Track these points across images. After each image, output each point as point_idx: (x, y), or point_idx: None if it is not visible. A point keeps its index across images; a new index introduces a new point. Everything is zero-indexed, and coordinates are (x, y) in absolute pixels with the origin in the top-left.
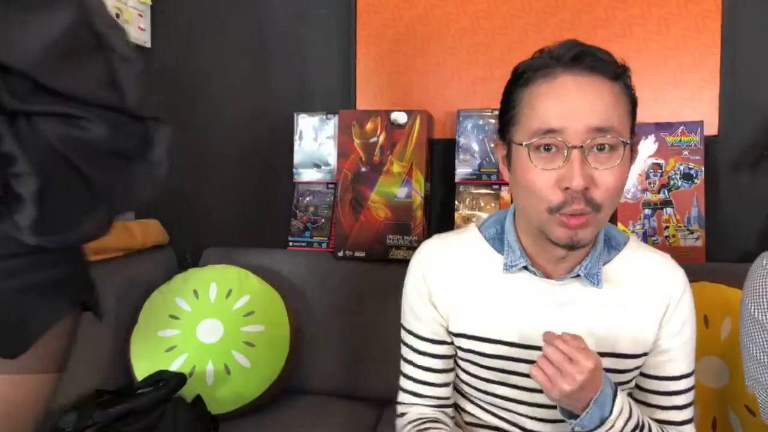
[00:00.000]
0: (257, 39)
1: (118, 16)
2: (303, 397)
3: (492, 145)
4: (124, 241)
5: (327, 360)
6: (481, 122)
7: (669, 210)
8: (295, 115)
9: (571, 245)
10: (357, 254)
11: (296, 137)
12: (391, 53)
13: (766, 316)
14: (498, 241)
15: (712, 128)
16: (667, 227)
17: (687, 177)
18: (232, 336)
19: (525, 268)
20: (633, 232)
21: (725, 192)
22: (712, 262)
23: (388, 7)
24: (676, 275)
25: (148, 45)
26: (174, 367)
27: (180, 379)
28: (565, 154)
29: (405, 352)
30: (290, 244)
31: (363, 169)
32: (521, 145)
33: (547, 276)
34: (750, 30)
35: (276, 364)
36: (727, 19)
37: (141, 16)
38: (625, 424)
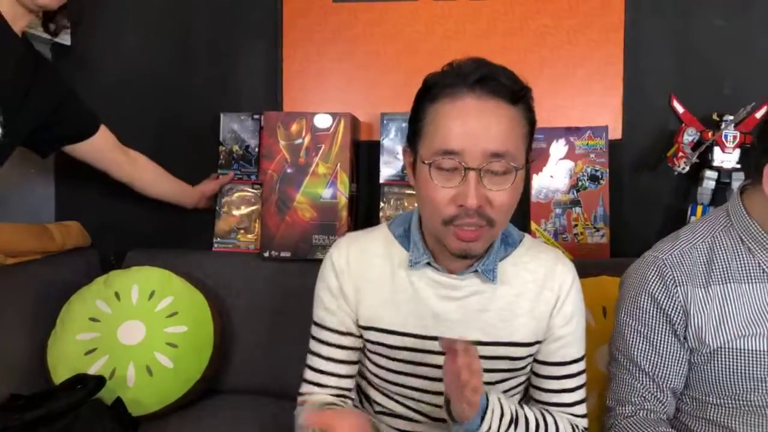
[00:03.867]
0: (182, 38)
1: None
2: (228, 396)
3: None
4: (42, 243)
5: (253, 359)
6: (404, 125)
7: (578, 209)
8: (221, 115)
9: (464, 256)
10: (283, 254)
11: (221, 138)
12: (317, 56)
13: (623, 302)
14: (405, 239)
15: (616, 133)
16: (576, 225)
17: (593, 178)
18: (154, 337)
19: (428, 263)
20: (545, 230)
21: (627, 192)
22: (616, 257)
23: (315, 11)
24: (565, 269)
25: (68, 43)
26: (93, 370)
27: (98, 381)
28: (463, 175)
29: (313, 345)
30: (216, 245)
31: (289, 171)
32: (424, 163)
33: (449, 271)
34: (649, 42)
35: (199, 364)
36: (629, 32)
37: None
38: (500, 420)
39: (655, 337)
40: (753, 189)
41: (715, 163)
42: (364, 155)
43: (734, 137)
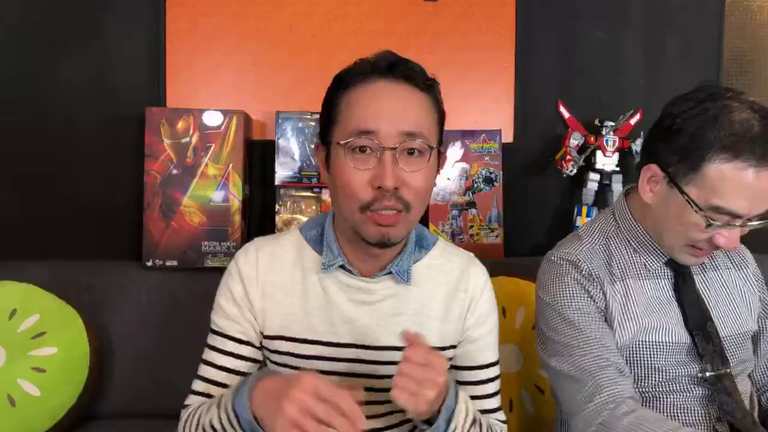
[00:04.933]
0: (50, 26)
1: None
2: (108, 423)
3: (312, 147)
4: None
5: (136, 379)
6: (300, 125)
7: (473, 211)
8: None
9: (382, 243)
10: (168, 263)
11: None
12: (205, 50)
13: (548, 296)
14: (318, 242)
15: (508, 136)
16: (472, 226)
17: (488, 180)
18: (17, 362)
19: (342, 267)
20: (442, 231)
21: (519, 194)
22: (509, 257)
23: (200, 1)
24: (478, 272)
25: None
26: None
27: None
28: (378, 156)
29: (207, 354)
30: None
31: (174, 172)
32: (338, 144)
33: (363, 275)
34: (538, 49)
35: (72, 389)
36: (519, 38)
37: None
38: (465, 420)
39: (600, 323)
40: (635, 191)
41: (597, 166)
42: (257, 156)
43: (614, 142)
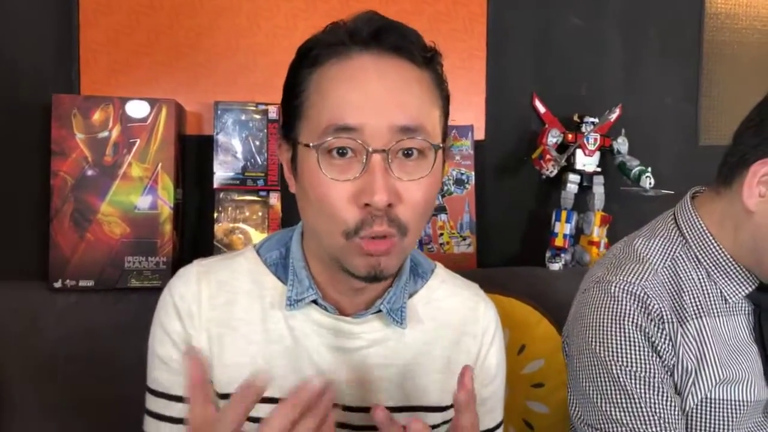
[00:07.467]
0: None
1: None
2: None
3: (257, 144)
4: None
5: None
6: (243, 117)
7: (444, 216)
8: None
9: (372, 276)
10: (82, 284)
11: None
12: (128, 27)
13: (599, 345)
14: (282, 268)
15: (479, 133)
16: (442, 234)
17: (459, 182)
18: None
19: (314, 302)
20: None
21: (492, 197)
22: (482, 268)
23: None
24: (488, 308)
25: None
26: None
27: None
28: (364, 161)
29: (153, 426)
30: None
31: (89, 173)
32: (308, 146)
33: (342, 312)
34: (511, 36)
35: None
36: (491, 24)
37: None
38: None
39: (667, 396)
40: (712, 197)
41: (578, 167)
42: (192, 154)
43: (595, 140)
